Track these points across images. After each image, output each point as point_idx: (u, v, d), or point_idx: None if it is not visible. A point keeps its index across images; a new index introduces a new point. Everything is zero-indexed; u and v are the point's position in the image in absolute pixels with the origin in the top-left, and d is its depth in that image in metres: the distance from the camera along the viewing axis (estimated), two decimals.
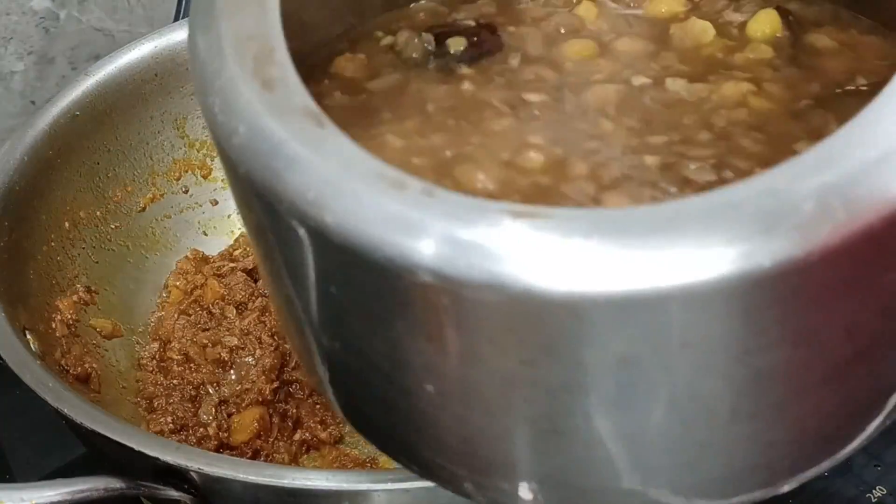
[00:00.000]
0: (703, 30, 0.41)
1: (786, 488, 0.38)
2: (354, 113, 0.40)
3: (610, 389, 0.33)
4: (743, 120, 0.37)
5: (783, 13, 0.41)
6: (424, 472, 0.41)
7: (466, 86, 0.41)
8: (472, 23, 0.43)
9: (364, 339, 0.35)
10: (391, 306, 0.32)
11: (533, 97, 0.40)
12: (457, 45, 0.42)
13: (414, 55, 0.42)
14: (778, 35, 0.41)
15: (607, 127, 0.38)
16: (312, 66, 0.42)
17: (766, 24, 0.41)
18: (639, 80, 0.40)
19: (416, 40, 0.42)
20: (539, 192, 0.35)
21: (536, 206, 0.31)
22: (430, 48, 0.42)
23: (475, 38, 0.42)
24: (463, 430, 0.36)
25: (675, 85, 0.39)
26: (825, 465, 0.38)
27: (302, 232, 0.32)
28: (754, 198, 0.29)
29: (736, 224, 0.29)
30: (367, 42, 0.44)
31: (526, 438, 0.35)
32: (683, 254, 0.29)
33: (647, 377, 0.32)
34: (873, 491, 0.62)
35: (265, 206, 0.33)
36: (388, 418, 0.38)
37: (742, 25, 0.42)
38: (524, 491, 0.38)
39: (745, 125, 0.37)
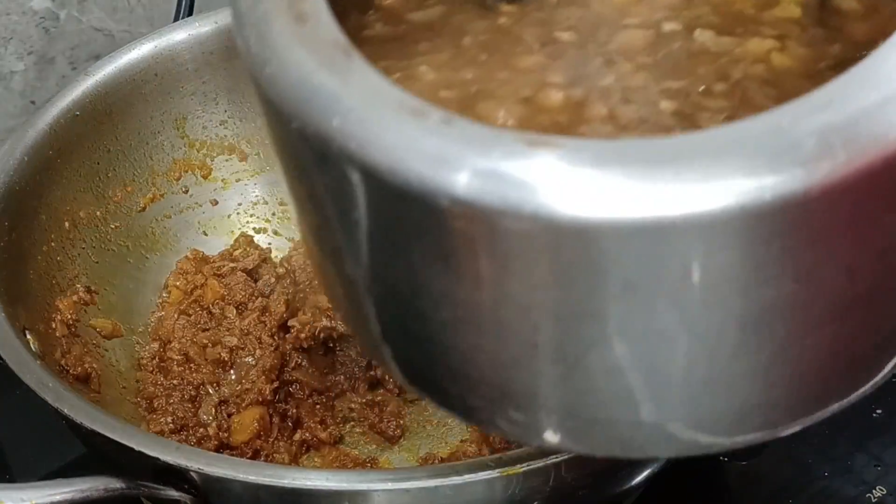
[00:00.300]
0: None
1: (786, 432, 0.39)
2: (393, 43, 0.41)
3: (615, 318, 0.34)
4: (759, 75, 0.38)
5: None
6: (455, 409, 0.42)
7: (503, 21, 0.42)
8: None
9: (387, 267, 0.36)
10: (409, 231, 0.34)
11: (564, 36, 0.41)
12: None
13: None
14: None
15: (629, 70, 0.39)
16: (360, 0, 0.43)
17: None
18: (668, 27, 0.41)
19: None
20: (558, 130, 0.36)
21: (550, 135, 0.32)
22: None
23: None
24: (480, 358, 0.37)
25: (703, 36, 0.40)
26: (826, 413, 0.39)
27: (328, 159, 0.34)
28: (758, 134, 0.31)
29: (740, 158, 0.30)
30: None
31: (538, 368, 0.36)
32: (687, 185, 0.30)
33: (651, 307, 0.33)
34: (873, 491, 0.63)
35: (295, 135, 0.35)
36: (408, 346, 0.40)
37: None
38: (539, 422, 0.39)
39: (761, 80, 0.38)
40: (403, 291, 0.37)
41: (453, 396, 0.40)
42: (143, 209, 0.73)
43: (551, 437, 0.39)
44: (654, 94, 0.38)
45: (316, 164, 0.35)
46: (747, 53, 0.39)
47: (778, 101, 0.36)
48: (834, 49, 0.39)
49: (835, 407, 0.39)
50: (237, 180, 0.77)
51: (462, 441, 0.65)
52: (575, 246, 0.32)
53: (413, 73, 0.40)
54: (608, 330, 0.34)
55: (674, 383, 0.36)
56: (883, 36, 0.39)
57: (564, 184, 0.31)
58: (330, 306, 0.67)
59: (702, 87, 0.38)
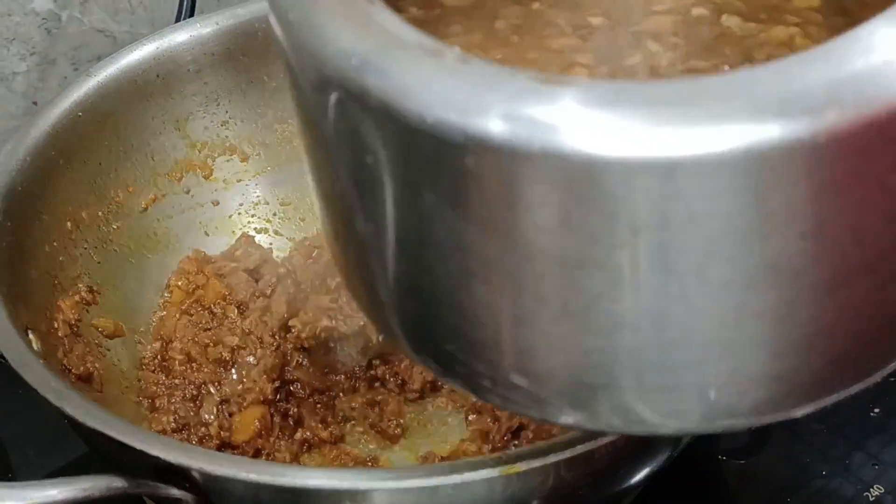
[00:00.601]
0: None
1: (800, 413, 0.39)
2: (426, 26, 0.42)
3: (620, 266, 0.34)
4: (783, 56, 0.39)
5: None
6: (457, 377, 0.42)
7: (536, 6, 0.43)
8: None
9: (397, 215, 0.37)
10: (421, 171, 0.35)
11: (596, 21, 0.42)
12: None
13: None
14: None
15: (656, 50, 0.40)
16: None
17: None
18: (696, 12, 0.41)
19: None
20: None
21: (563, 75, 0.33)
22: None
23: None
24: (485, 316, 0.38)
25: (730, 20, 0.41)
26: (835, 397, 0.39)
27: (344, 99, 0.35)
28: (768, 80, 0.31)
29: (749, 102, 0.31)
30: None
31: (542, 323, 0.37)
32: (695, 127, 0.31)
33: (655, 255, 0.33)
34: (871, 490, 0.63)
35: (315, 77, 0.36)
36: (415, 309, 0.40)
37: None
38: (541, 388, 0.39)
39: None
40: (412, 243, 0.38)
41: (458, 362, 0.41)
42: (145, 209, 0.73)
43: (552, 406, 0.39)
44: (679, 72, 0.38)
45: (333, 107, 0.36)
46: (771, 38, 0.40)
47: None
48: None
49: (846, 391, 0.39)
50: (238, 181, 0.77)
51: (462, 440, 0.66)
52: (582, 185, 0.33)
53: None
54: (612, 280, 0.34)
55: (677, 345, 0.36)
56: None
57: (574, 122, 0.32)
58: (331, 306, 0.68)
59: (726, 67, 0.38)
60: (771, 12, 0.41)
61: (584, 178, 0.32)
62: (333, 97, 0.36)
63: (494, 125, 0.32)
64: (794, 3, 0.42)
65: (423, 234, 0.37)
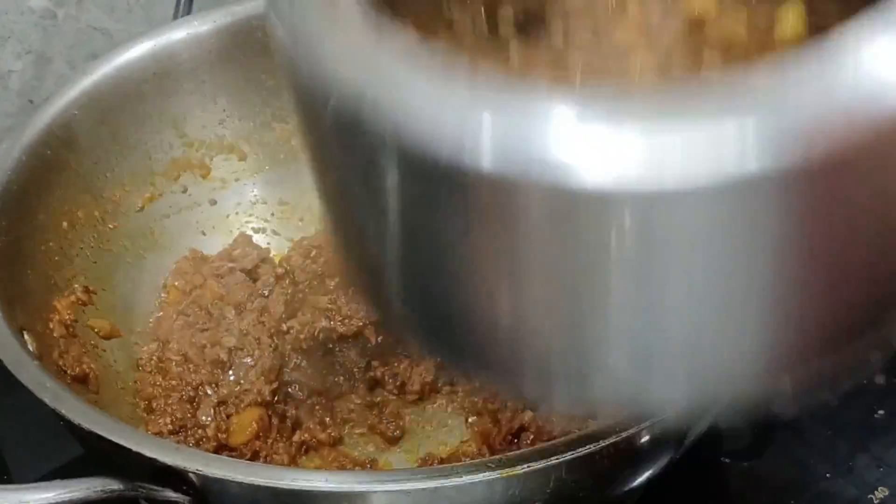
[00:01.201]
0: (733, 31, 0.44)
1: (773, 387, 0.40)
2: None
3: (612, 276, 0.36)
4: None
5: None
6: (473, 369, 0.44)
7: (513, 60, 0.44)
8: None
9: (397, 219, 0.38)
10: (417, 188, 0.36)
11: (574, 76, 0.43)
12: (505, 28, 0.46)
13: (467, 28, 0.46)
14: (802, 36, 0.43)
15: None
16: None
17: (790, 22, 0.44)
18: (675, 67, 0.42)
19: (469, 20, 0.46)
20: None
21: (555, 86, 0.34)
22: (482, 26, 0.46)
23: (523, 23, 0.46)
24: (493, 308, 0.39)
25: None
26: (814, 367, 0.40)
27: (345, 119, 0.36)
28: (752, 106, 0.32)
29: (733, 128, 0.32)
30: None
31: (539, 319, 0.38)
32: (685, 153, 0.32)
33: (643, 267, 0.35)
34: (875, 492, 0.63)
35: (321, 100, 0.37)
36: (424, 306, 0.42)
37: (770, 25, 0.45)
38: (535, 371, 0.40)
39: None
40: (415, 248, 0.39)
41: (463, 348, 0.42)
42: (142, 209, 0.73)
43: (551, 387, 0.41)
44: None
45: (333, 125, 0.37)
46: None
47: None
48: None
49: (819, 361, 0.40)
50: (236, 180, 0.77)
51: (462, 442, 0.66)
52: (574, 211, 0.34)
53: None
54: (605, 286, 0.36)
55: (666, 334, 0.38)
56: None
57: (570, 144, 0.32)
58: (329, 307, 0.68)
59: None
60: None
61: (575, 205, 0.33)
62: (334, 117, 0.36)
63: (486, 156, 0.33)
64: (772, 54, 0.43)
65: (425, 241, 0.38)
